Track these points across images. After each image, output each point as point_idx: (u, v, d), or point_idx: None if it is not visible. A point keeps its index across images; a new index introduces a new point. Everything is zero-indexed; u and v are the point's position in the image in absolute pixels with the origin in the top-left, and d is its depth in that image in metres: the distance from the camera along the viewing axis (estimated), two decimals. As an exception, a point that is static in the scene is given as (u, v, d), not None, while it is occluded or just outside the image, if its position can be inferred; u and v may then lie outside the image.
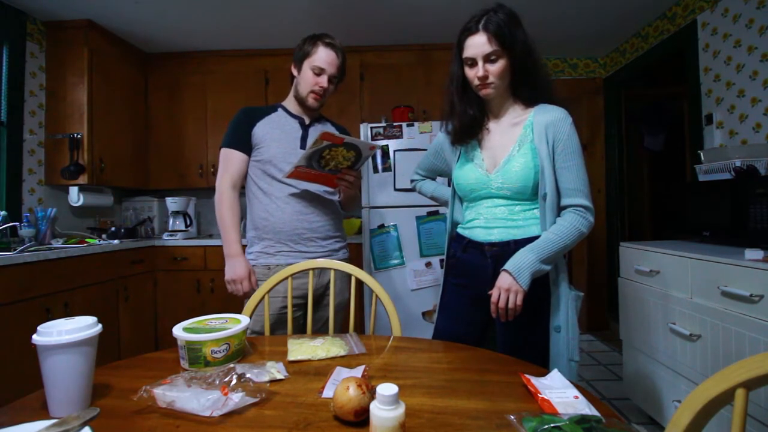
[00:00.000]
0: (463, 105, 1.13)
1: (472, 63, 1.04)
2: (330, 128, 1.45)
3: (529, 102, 1.11)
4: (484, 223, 1.10)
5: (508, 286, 0.97)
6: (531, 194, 1.06)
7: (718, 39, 2.14)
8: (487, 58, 1.02)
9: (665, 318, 1.64)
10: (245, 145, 1.41)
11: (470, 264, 1.13)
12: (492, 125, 1.14)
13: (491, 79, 1.03)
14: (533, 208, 1.07)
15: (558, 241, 1.00)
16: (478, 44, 1.01)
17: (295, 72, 1.43)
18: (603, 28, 2.79)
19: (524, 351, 0.98)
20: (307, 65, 1.38)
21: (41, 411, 0.63)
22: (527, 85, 1.08)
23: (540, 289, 1.03)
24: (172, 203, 2.89)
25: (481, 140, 1.15)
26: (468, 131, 1.14)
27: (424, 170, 1.41)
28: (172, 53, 3.03)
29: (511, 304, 0.97)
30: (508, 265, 0.99)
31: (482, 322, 1.13)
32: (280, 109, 1.46)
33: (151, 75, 3.03)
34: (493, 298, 0.99)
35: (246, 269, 1.38)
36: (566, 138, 1.04)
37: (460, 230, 1.20)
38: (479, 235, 1.11)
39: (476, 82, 1.05)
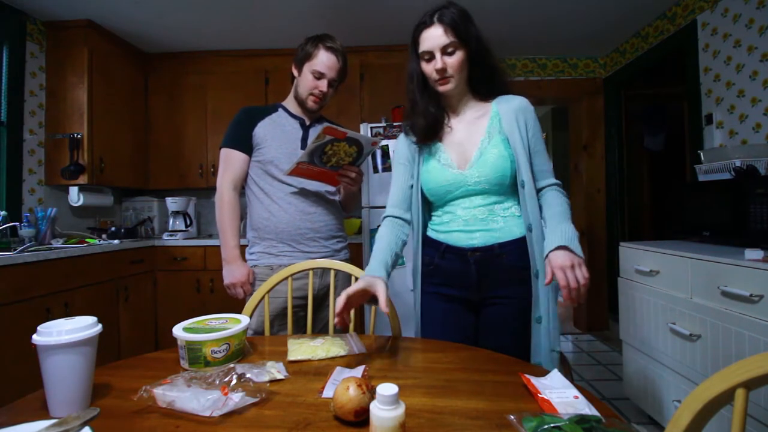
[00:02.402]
0: (425, 102, 1.09)
1: (430, 57, 1.02)
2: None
3: (488, 96, 1.10)
4: (464, 226, 1.05)
5: (571, 261, 0.89)
6: (509, 185, 1.04)
7: (718, 39, 2.14)
8: (445, 50, 1.00)
9: (665, 318, 1.64)
10: (246, 146, 1.40)
11: (451, 271, 1.06)
12: (453, 123, 1.11)
13: (450, 72, 1.01)
14: (512, 205, 1.05)
15: (568, 212, 1.01)
16: (434, 36, 1.00)
17: (295, 73, 1.43)
18: (603, 28, 2.79)
19: (509, 346, 0.97)
20: (307, 68, 1.37)
21: (41, 411, 0.63)
22: (485, 80, 1.07)
23: (521, 284, 1.02)
24: (172, 203, 2.90)
25: (443, 139, 1.11)
26: (433, 129, 1.10)
27: (401, 202, 1.13)
28: (172, 53, 3.03)
29: (582, 281, 0.88)
30: (559, 241, 0.92)
31: (472, 325, 1.09)
32: (280, 109, 1.46)
33: (151, 75, 3.03)
34: (564, 282, 0.88)
35: (245, 273, 1.38)
36: (534, 123, 1.07)
37: (432, 234, 1.12)
38: (459, 239, 1.05)
39: (435, 76, 1.02)
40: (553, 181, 1.08)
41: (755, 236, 1.47)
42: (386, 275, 0.96)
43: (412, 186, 1.13)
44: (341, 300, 0.84)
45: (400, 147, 1.17)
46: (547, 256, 0.94)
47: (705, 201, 1.73)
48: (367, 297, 0.90)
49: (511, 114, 1.05)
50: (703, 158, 1.88)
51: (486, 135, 1.06)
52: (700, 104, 2.28)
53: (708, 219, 1.72)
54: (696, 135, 2.30)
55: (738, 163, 1.64)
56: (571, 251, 0.91)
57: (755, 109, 1.93)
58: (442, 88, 1.04)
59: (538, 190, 1.07)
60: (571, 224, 0.98)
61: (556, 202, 1.04)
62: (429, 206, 1.16)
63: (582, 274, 0.89)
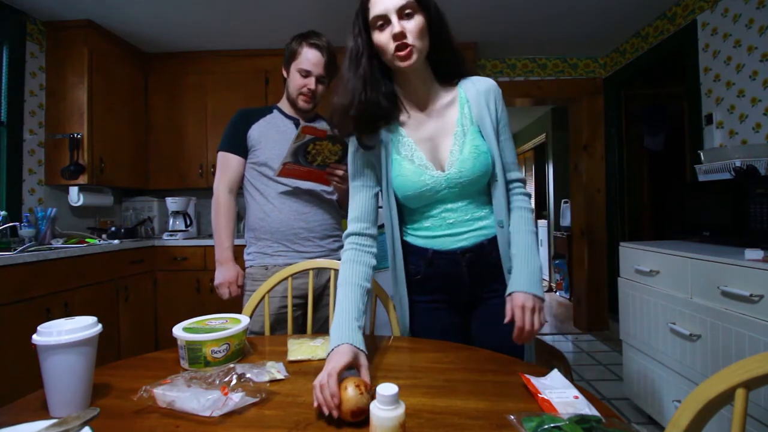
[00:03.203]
0: (373, 86, 0.91)
1: (384, 22, 0.87)
2: (322, 125, 1.45)
3: (451, 79, 0.99)
4: (450, 230, 0.97)
5: (533, 304, 0.88)
6: (485, 183, 0.97)
7: (718, 39, 2.14)
8: (402, 13, 0.85)
9: (665, 318, 1.64)
10: (241, 148, 1.41)
11: (442, 277, 0.99)
12: (419, 113, 0.97)
13: (410, 39, 0.86)
14: (488, 202, 1.00)
15: (534, 238, 0.97)
16: None
17: (284, 74, 1.44)
18: (603, 28, 2.79)
19: (509, 336, 0.96)
20: (294, 67, 1.38)
21: (41, 411, 0.63)
22: (447, 58, 0.95)
23: (500, 283, 0.98)
24: (172, 203, 2.90)
25: (411, 135, 0.96)
26: (379, 120, 0.94)
27: (366, 214, 0.97)
28: (172, 53, 3.03)
29: (536, 325, 0.87)
30: (525, 286, 0.89)
31: (461, 325, 1.05)
32: (275, 110, 1.47)
33: (151, 75, 3.03)
34: (520, 324, 0.87)
35: (233, 274, 1.40)
36: (503, 108, 0.98)
37: (413, 240, 1.00)
38: (447, 243, 0.97)
39: (392, 46, 0.86)
40: (519, 176, 1.02)
41: (755, 236, 1.47)
42: (362, 338, 0.79)
43: (377, 194, 0.99)
44: (332, 387, 0.60)
45: (355, 148, 0.99)
46: (510, 294, 0.91)
47: (705, 201, 1.73)
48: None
49: (480, 98, 0.96)
50: (703, 158, 1.88)
51: (459, 128, 0.95)
52: (700, 104, 2.28)
53: (708, 219, 1.72)
54: (696, 135, 2.30)
55: (738, 163, 1.64)
56: (534, 295, 0.88)
57: (755, 109, 1.93)
58: (404, 63, 0.87)
59: (507, 184, 1.01)
60: (537, 258, 0.94)
61: (522, 222, 0.97)
62: (401, 208, 1.02)
63: (538, 319, 0.88)
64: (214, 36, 2.79)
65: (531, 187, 5.74)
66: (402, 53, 0.86)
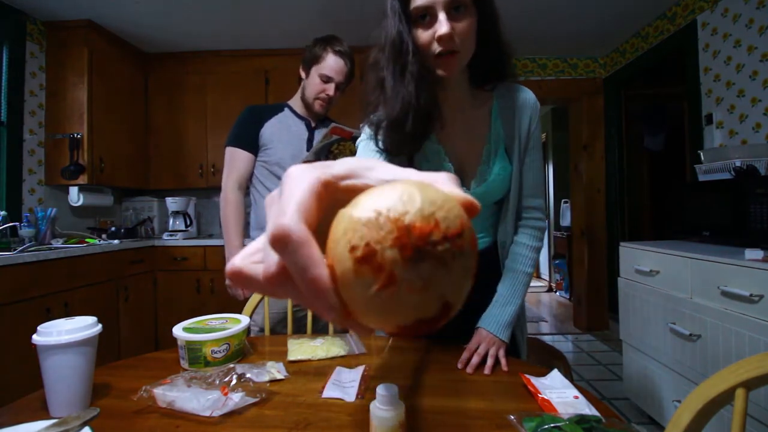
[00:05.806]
0: (421, 88, 0.73)
1: (426, 17, 0.70)
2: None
3: (489, 80, 0.85)
4: None
5: (497, 345, 0.83)
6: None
7: (718, 39, 2.14)
8: (451, 7, 0.68)
9: (665, 318, 1.64)
10: (252, 145, 1.41)
11: None
12: (449, 120, 0.83)
13: (458, 43, 0.70)
14: (500, 209, 0.95)
15: (525, 280, 0.89)
16: None
17: (302, 74, 1.43)
18: (603, 28, 2.80)
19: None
20: (315, 71, 1.38)
21: (41, 411, 0.63)
22: (492, 62, 0.81)
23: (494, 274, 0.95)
24: (172, 203, 2.89)
25: (441, 142, 0.84)
26: (423, 135, 0.78)
27: None
28: (172, 53, 3.03)
29: (489, 361, 0.80)
30: (494, 327, 0.85)
31: (463, 324, 0.99)
32: (286, 109, 1.47)
33: (151, 75, 3.03)
34: (469, 354, 0.81)
35: None
36: (537, 128, 0.87)
37: None
38: None
39: (436, 48, 0.70)
40: (537, 203, 0.91)
41: (755, 236, 1.47)
42: None
43: None
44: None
45: (367, 153, 0.84)
46: (478, 327, 0.87)
47: (705, 201, 1.73)
48: None
49: (514, 114, 0.85)
50: (703, 158, 1.88)
51: (491, 144, 0.85)
52: (700, 104, 2.28)
53: (708, 219, 1.72)
54: (696, 135, 2.30)
55: (738, 163, 1.64)
56: (500, 339, 0.83)
57: (755, 109, 1.93)
58: (446, 72, 0.73)
59: (523, 209, 0.91)
60: (519, 301, 0.87)
61: (519, 261, 0.89)
62: None
63: (491, 363, 0.79)
64: (214, 36, 2.79)
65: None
66: (446, 60, 0.71)
